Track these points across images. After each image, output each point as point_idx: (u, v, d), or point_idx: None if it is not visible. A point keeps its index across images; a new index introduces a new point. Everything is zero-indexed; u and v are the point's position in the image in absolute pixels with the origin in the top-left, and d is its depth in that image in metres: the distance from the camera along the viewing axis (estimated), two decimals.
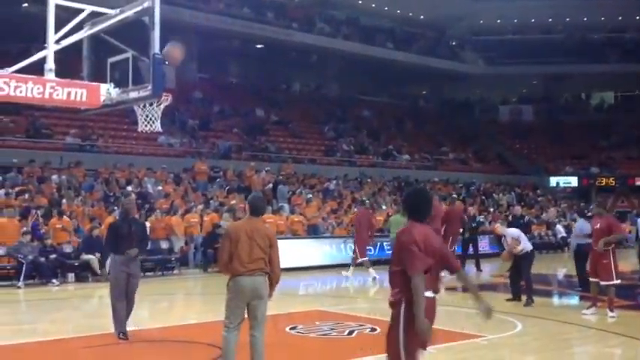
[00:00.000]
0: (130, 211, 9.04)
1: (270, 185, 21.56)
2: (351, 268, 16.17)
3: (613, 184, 33.64)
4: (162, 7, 26.10)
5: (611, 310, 10.08)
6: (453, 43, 40.12)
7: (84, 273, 14.66)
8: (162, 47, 7.43)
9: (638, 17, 38.57)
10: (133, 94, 7.43)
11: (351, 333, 8.88)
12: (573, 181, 33.70)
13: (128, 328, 8.54)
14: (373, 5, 36.35)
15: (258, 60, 35.31)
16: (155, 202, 18.23)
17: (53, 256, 14.39)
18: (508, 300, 11.49)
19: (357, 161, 28.93)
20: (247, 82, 34.15)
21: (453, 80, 39.86)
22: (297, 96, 34.86)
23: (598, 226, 10.18)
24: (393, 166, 29.89)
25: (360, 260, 15.68)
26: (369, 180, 26.11)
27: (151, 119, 7.97)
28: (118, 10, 7.62)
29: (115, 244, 8.58)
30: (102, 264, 14.18)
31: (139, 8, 7.58)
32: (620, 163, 35.73)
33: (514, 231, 11.62)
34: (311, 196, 21.03)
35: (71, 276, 14.62)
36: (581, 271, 12.46)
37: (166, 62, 8.06)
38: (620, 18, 38.87)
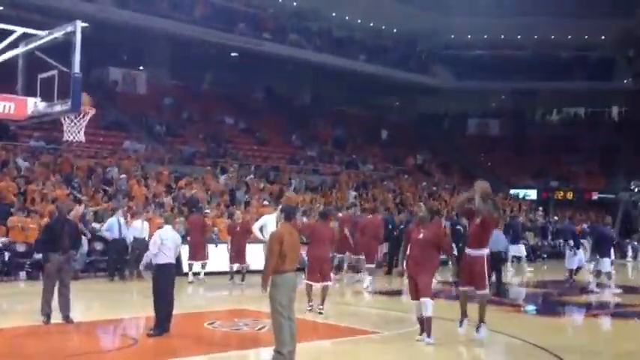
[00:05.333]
0: (62, 211, 9.93)
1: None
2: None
3: (571, 197, 34.81)
4: (136, 15, 27.30)
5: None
6: (425, 57, 41.09)
7: None
8: (87, 63, 8.30)
9: (602, 37, 39.85)
10: (57, 108, 8.30)
11: (261, 328, 9.75)
12: (533, 193, 34.80)
13: None
14: (347, 17, 37.37)
15: (233, 68, 36.15)
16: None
17: None
18: None
19: (321, 169, 29.83)
20: (221, 89, 34.99)
21: (423, 93, 40.88)
22: (267, 104, 35.71)
23: None
24: (357, 175, 30.73)
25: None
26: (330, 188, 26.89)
27: (77, 130, 8.81)
28: (47, 32, 8.48)
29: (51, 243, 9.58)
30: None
31: (68, 30, 8.41)
32: (579, 178, 36.99)
33: None
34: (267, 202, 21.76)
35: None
36: None
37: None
38: (586, 37, 40.12)
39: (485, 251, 9.24)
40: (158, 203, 18.89)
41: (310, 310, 11.29)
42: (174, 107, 29.86)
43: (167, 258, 9.15)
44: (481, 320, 9.15)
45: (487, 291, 9.24)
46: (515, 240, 19.61)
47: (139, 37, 29.29)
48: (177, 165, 24.45)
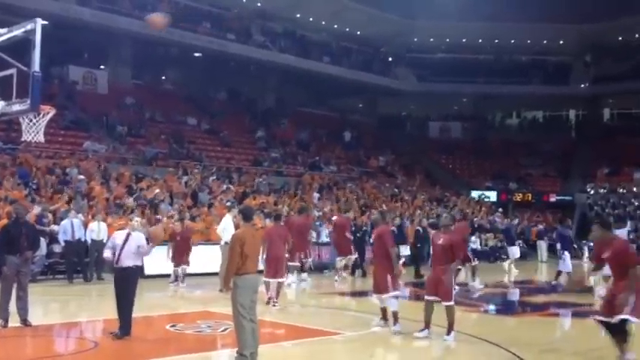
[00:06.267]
0: (20, 213, 9.76)
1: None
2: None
3: (529, 199, 35.49)
4: (97, 13, 26.73)
5: None
6: (388, 59, 41.37)
7: None
8: (46, 63, 8.18)
9: (561, 42, 40.66)
10: (16, 107, 8.15)
11: (224, 330, 9.71)
12: (493, 195, 35.29)
13: None
14: (311, 19, 37.37)
15: (197, 68, 35.90)
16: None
17: None
18: None
19: (285, 171, 29.79)
20: (184, 90, 34.70)
21: (386, 95, 41.16)
22: (231, 105, 35.55)
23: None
24: (320, 177, 30.75)
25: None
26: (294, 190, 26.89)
27: (35, 130, 8.64)
28: (6, 30, 8.32)
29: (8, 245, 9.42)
30: None
31: (28, 27, 8.26)
32: (537, 180, 37.74)
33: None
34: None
35: None
36: None
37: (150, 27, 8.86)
38: (544, 42, 40.89)
39: (452, 265, 9.56)
40: (119, 205, 18.66)
41: (267, 303, 11.74)
42: (135, 107, 29.50)
43: (140, 260, 9.22)
44: (450, 325, 9.37)
45: (452, 302, 9.35)
46: (510, 242, 21.82)
47: (101, 36, 28.84)
48: (138, 166, 24.18)
